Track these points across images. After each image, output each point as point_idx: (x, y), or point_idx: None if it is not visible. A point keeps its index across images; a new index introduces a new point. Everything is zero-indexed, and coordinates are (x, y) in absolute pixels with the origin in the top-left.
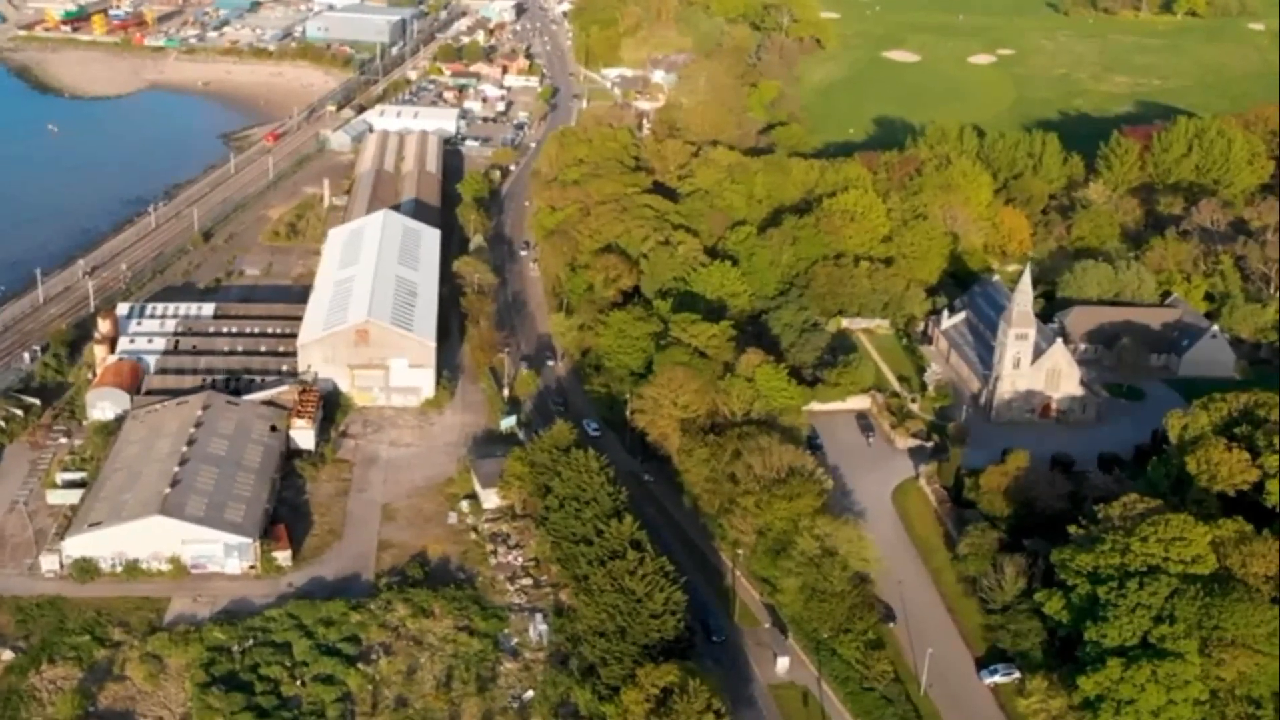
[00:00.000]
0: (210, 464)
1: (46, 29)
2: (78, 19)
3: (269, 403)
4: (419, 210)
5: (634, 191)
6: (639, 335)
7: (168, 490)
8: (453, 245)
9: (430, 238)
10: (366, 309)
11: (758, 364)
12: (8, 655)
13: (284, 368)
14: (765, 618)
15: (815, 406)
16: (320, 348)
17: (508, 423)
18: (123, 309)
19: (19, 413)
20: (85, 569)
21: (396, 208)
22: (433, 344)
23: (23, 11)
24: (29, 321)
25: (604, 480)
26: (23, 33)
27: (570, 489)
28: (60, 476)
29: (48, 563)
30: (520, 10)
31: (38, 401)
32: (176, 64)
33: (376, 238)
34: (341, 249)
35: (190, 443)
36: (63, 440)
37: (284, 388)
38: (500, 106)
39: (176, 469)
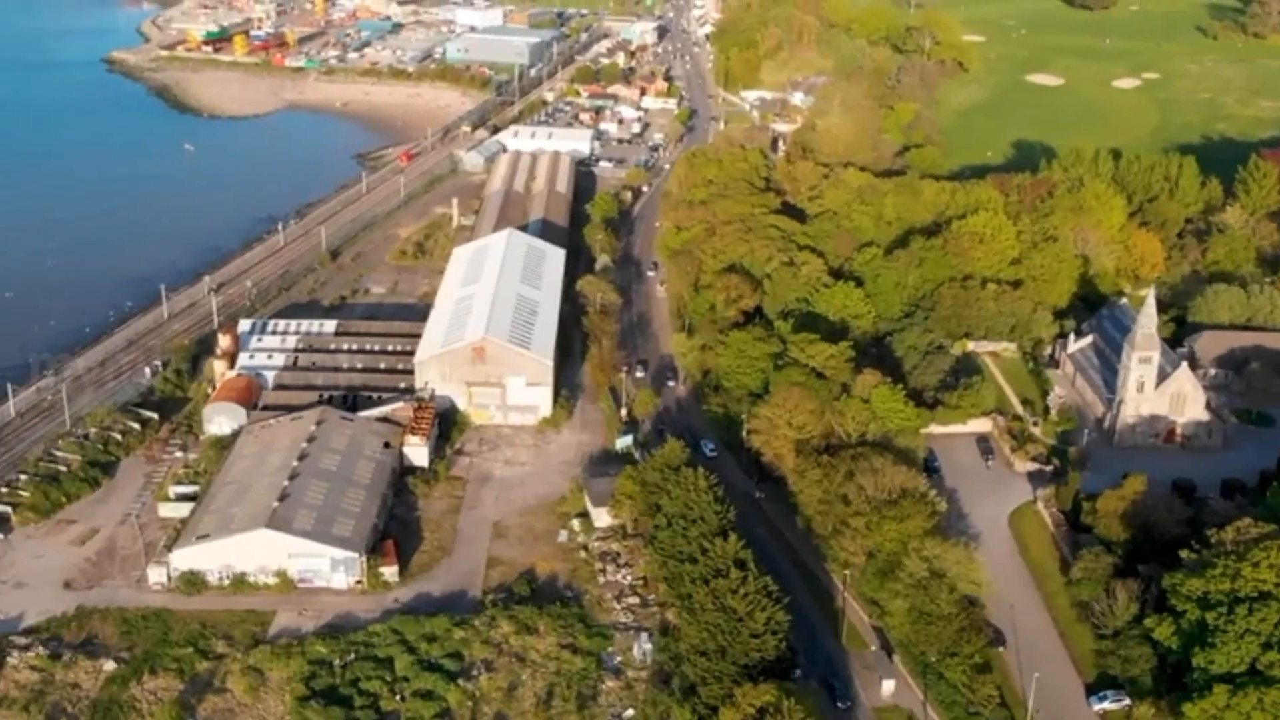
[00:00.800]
0: (320, 479)
1: (188, 49)
2: (219, 40)
3: (384, 419)
4: (546, 230)
5: (761, 212)
6: (758, 355)
7: (276, 504)
8: (579, 265)
9: (554, 257)
10: (484, 326)
11: (874, 385)
12: (110, 666)
13: (402, 385)
14: (873, 640)
15: (935, 429)
16: (437, 365)
17: (623, 442)
18: (244, 325)
19: (136, 426)
20: (192, 581)
21: (524, 227)
22: (550, 362)
23: (166, 32)
24: (152, 337)
25: (711, 499)
26: (164, 53)
27: (678, 507)
28: (173, 490)
29: (155, 575)
30: (662, 33)
31: (155, 416)
32: (315, 85)
33: (499, 256)
34: (465, 267)
35: (301, 458)
36: (178, 454)
37: (399, 404)
38: (636, 128)
39: (286, 483)
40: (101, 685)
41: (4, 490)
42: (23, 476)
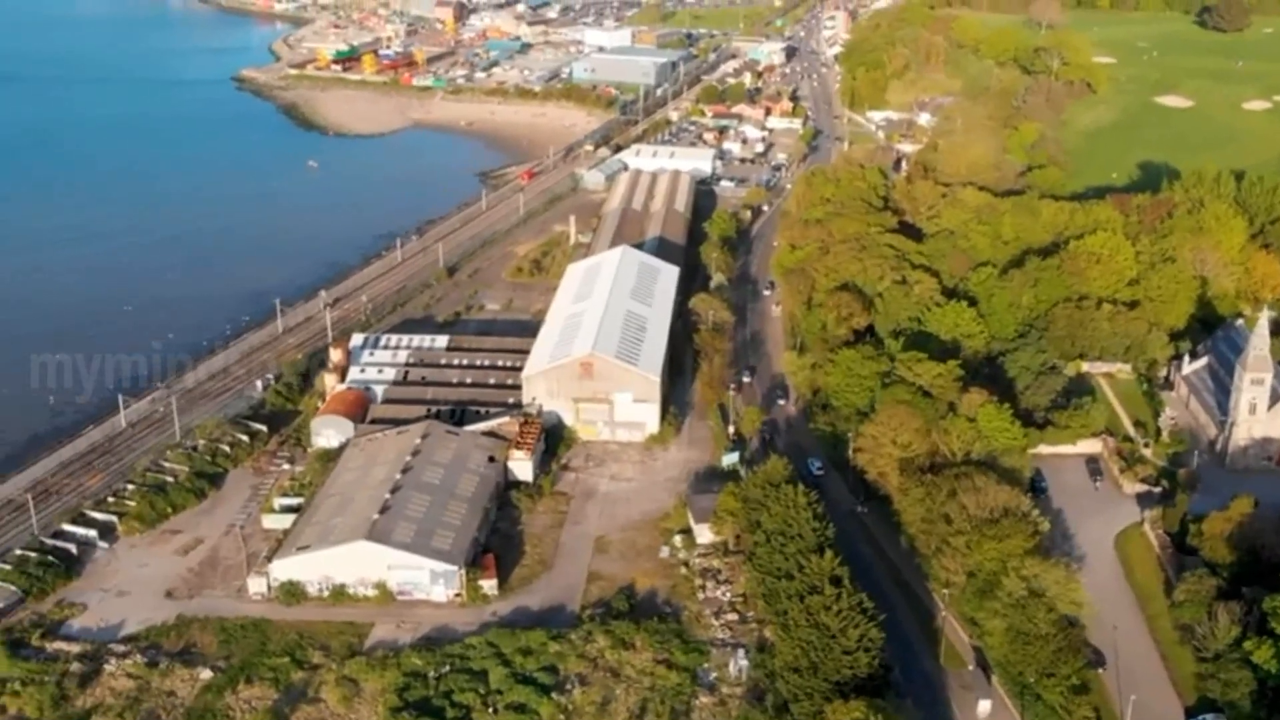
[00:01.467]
0: (422, 492)
1: (317, 68)
2: (348, 59)
3: (490, 434)
4: (661, 247)
5: (876, 231)
6: (866, 374)
7: (376, 516)
8: (695, 283)
9: (668, 274)
10: (591, 342)
11: (980, 404)
12: (206, 675)
13: (510, 400)
14: (972, 660)
15: (1044, 449)
16: (544, 380)
17: (730, 459)
18: (357, 339)
19: (245, 439)
20: (292, 592)
21: (640, 245)
22: (657, 378)
23: (297, 51)
24: (266, 351)
25: (809, 516)
26: (294, 71)
27: (777, 524)
28: (278, 501)
29: (255, 585)
30: (791, 53)
31: (264, 428)
32: (442, 104)
33: (611, 273)
34: (577, 284)
35: (405, 470)
36: (285, 466)
37: (505, 419)
38: (759, 148)
39: (388, 496)
40: (197, 693)
41: (111, 500)
42: (130, 486)
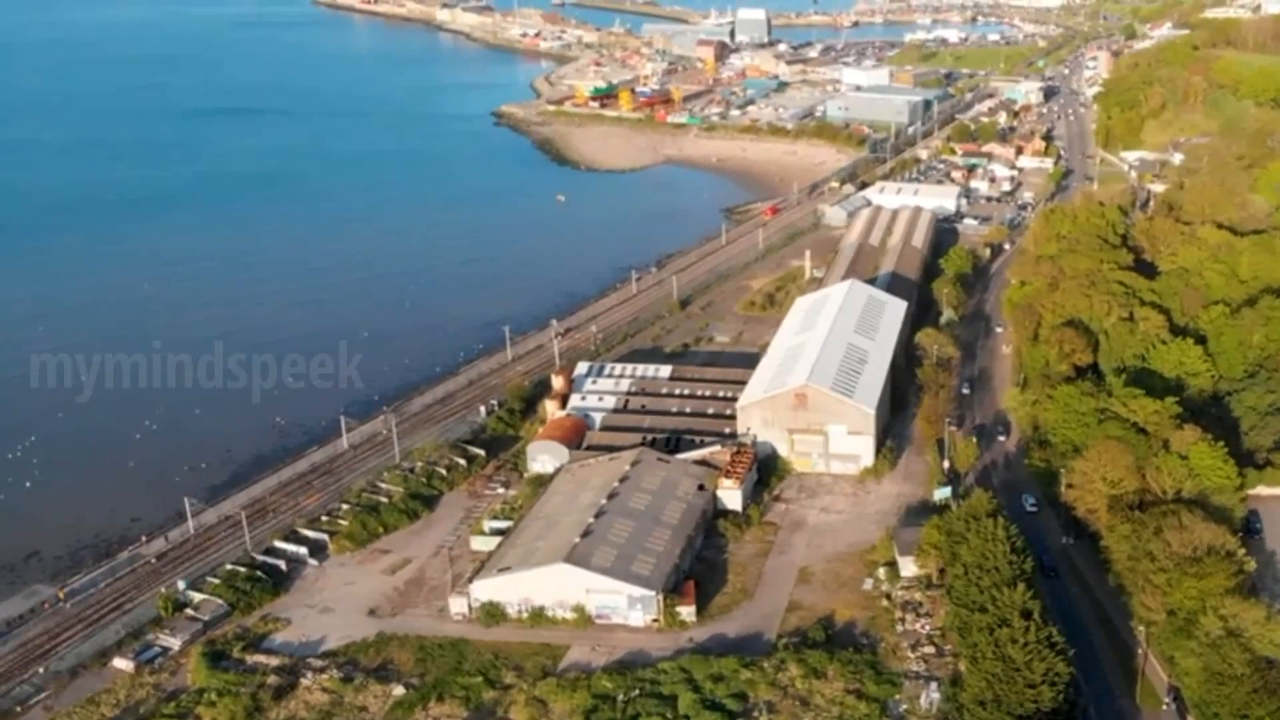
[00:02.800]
0: (626, 517)
1: (575, 105)
2: (605, 95)
3: (702, 462)
4: (894, 282)
5: (1109, 268)
6: (1084, 410)
7: (577, 540)
8: (926, 319)
9: (894, 309)
10: (808, 373)
11: (1193, 442)
12: (399, 691)
13: (727, 430)
14: (1169, 698)
15: (1263, 490)
16: (760, 410)
17: (942, 494)
18: (582, 368)
19: (462, 462)
20: (491, 613)
21: (873, 280)
22: (872, 411)
23: (557, 88)
24: (494, 378)
25: (1006, 549)
26: (552, 108)
27: (975, 556)
28: (487, 524)
29: (456, 605)
30: (1050, 93)
31: (483, 452)
32: (695, 140)
33: (836, 306)
34: (802, 316)
35: (611, 496)
36: (500, 490)
37: (716, 448)
38: (1006, 186)
39: (591, 520)
40: (388, 709)
41: (325, 519)
42: (345, 506)
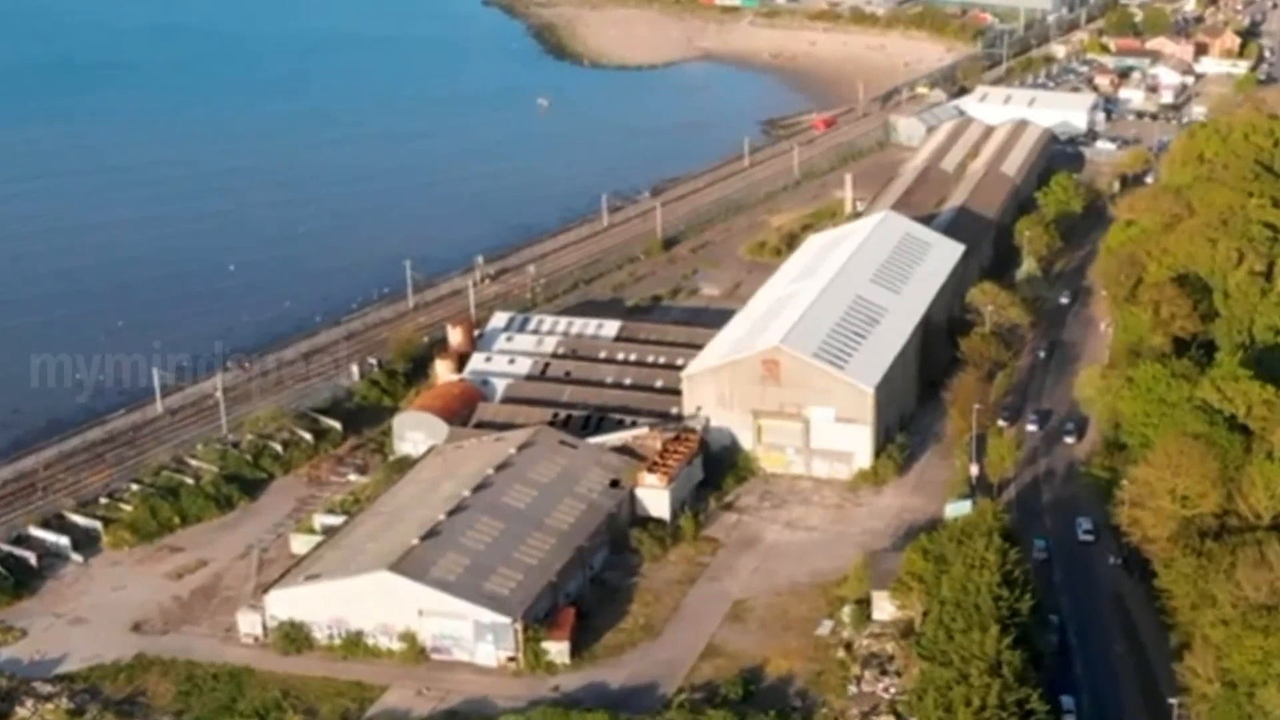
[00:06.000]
0: (494, 517)
1: None
2: None
3: (624, 450)
4: (959, 220)
5: (1258, 204)
6: (1176, 400)
7: (415, 543)
8: (1000, 270)
9: (943, 254)
10: (783, 333)
11: None
12: None
13: (674, 410)
14: None
15: None
16: (713, 382)
17: (956, 510)
18: (499, 319)
19: (308, 437)
20: (292, 637)
21: (931, 217)
22: (870, 391)
23: None
24: (385, 330)
25: (995, 579)
26: None
27: (955, 591)
28: (318, 520)
29: (247, 624)
30: None
31: (338, 426)
32: (747, 29)
33: (855, 245)
34: (809, 260)
35: (480, 488)
36: (352, 477)
37: (643, 430)
38: (1168, 97)
39: (441, 518)
40: None
41: (105, 502)
42: (134, 487)
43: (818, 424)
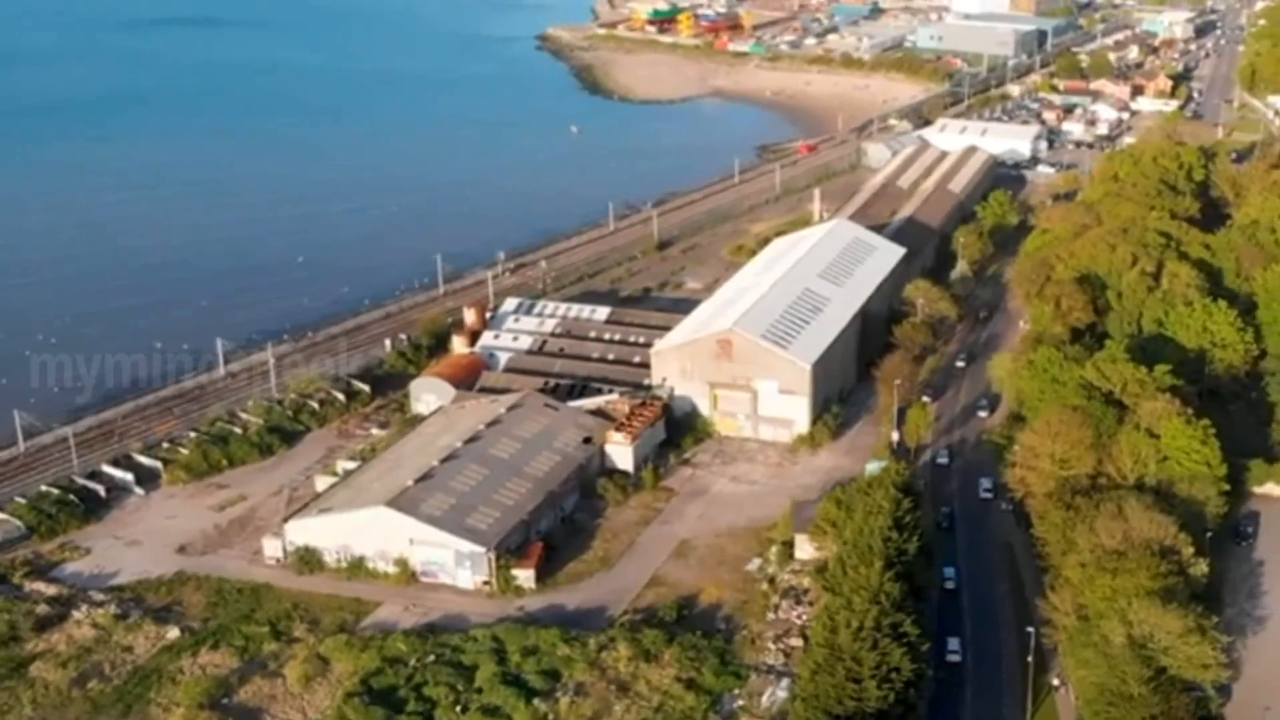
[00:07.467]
0: (481, 464)
1: (630, 29)
2: (665, 19)
3: (598, 413)
4: (906, 228)
5: (1158, 216)
6: (1067, 380)
7: (410, 483)
8: (941, 271)
9: (884, 256)
10: (736, 317)
11: (1167, 415)
12: (173, 634)
13: (646, 381)
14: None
15: (1273, 489)
16: (677, 358)
17: (874, 467)
18: (510, 304)
19: (341, 397)
20: (306, 559)
21: (882, 226)
22: (808, 367)
23: (618, 10)
24: (416, 312)
25: (887, 524)
26: (601, 31)
27: (854, 534)
28: (341, 465)
29: (270, 548)
30: (1205, 28)
31: (367, 388)
32: (753, 71)
33: (807, 246)
34: (769, 258)
35: (471, 440)
36: (374, 430)
37: (613, 396)
38: (1103, 129)
39: (435, 464)
40: (155, 652)
41: (167, 445)
42: (192, 434)
43: (764, 394)
